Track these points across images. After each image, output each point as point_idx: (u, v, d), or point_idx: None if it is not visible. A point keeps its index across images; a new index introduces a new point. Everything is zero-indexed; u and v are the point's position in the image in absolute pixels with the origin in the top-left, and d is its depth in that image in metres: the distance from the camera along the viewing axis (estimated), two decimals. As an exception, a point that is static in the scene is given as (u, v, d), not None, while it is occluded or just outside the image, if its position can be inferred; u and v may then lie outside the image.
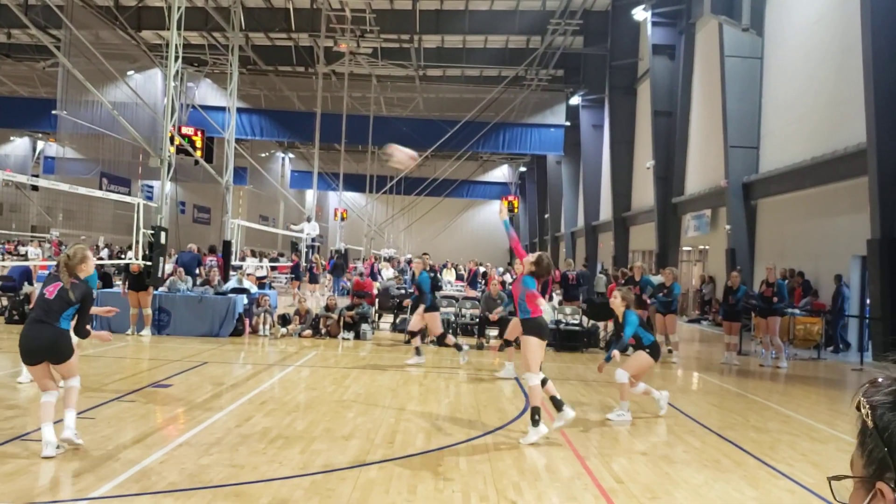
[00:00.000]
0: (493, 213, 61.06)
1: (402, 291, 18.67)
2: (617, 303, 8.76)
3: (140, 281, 14.41)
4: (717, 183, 23.59)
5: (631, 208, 33.74)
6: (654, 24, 28.53)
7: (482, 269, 22.74)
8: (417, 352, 12.55)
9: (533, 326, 7.36)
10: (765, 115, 22.05)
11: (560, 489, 5.79)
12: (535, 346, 7.33)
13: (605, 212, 37.25)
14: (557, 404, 7.43)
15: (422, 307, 12.50)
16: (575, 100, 37.73)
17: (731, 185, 22.26)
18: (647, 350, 8.73)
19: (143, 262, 14.37)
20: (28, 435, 6.62)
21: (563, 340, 15.18)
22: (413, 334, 12.92)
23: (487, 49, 36.23)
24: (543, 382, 7.41)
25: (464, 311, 16.61)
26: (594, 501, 5.55)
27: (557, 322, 15.47)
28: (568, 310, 16.09)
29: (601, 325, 16.04)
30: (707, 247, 26.06)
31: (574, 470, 6.36)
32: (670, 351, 14.45)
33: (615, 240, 34.39)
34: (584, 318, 16.07)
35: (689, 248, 28.19)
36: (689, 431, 8.15)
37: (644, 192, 31.48)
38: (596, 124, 37.76)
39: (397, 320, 17.28)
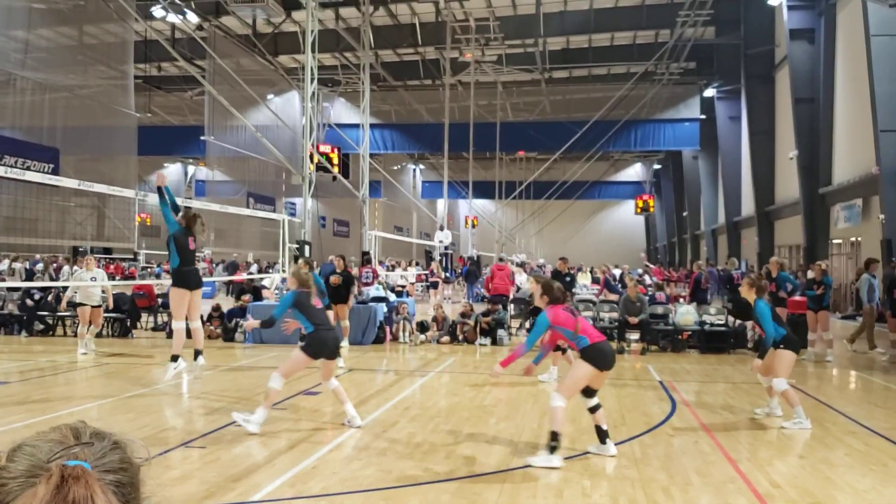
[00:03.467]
0: (627, 213, 59.82)
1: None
2: (744, 290, 8.33)
3: (339, 294, 14.60)
4: (868, 170, 22.17)
5: (775, 202, 32.22)
6: (790, 7, 27.19)
7: (618, 272, 22.31)
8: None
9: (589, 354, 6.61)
10: (920, 95, 20.53)
11: (712, 493, 5.61)
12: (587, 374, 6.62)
13: (747, 206, 35.72)
14: (602, 435, 6.76)
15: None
16: (709, 92, 36.44)
17: (883, 172, 20.86)
18: (781, 345, 8.11)
19: (341, 274, 14.56)
20: (191, 442, 7.05)
21: (709, 342, 14.67)
22: None
23: (614, 46, 35.61)
24: (594, 409, 6.80)
25: (602, 314, 16.36)
26: (750, 507, 5.34)
27: (702, 323, 14.97)
28: (712, 310, 15.53)
29: (748, 324, 15.37)
30: (859, 238, 24.52)
31: (726, 474, 6.14)
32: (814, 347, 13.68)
33: (759, 235, 32.91)
34: (730, 318, 15.45)
35: (840, 241, 26.59)
36: (850, 433, 7.68)
37: (788, 184, 29.99)
38: (733, 116, 36.32)
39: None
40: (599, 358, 6.55)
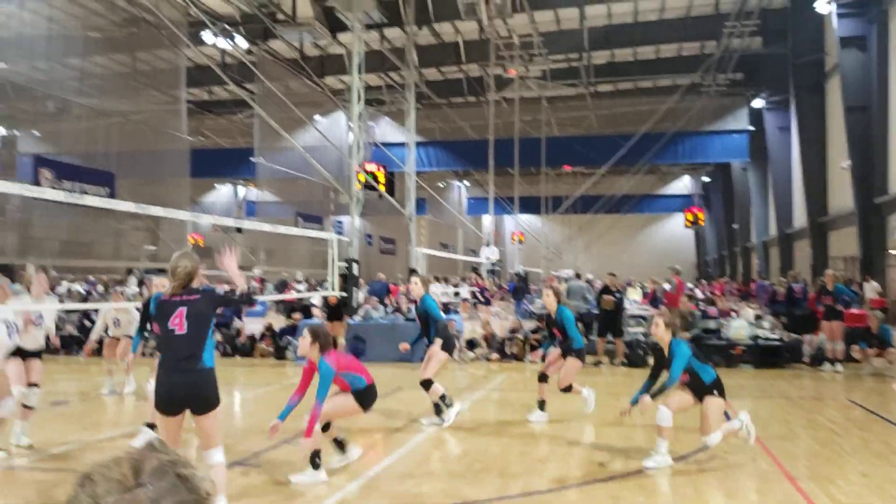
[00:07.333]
0: (676, 227, 59.07)
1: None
2: (660, 331, 6.96)
3: (335, 312, 15.17)
4: (927, 179, 21.60)
5: (828, 213, 31.53)
6: (839, 15, 26.68)
7: (669, 287, 21.98)
8: (437, 409, 8.97)
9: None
10: (979, 101, 19.97)
11: (772, 513, 5.50)
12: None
13: (799, 218, 35.01)
14: (340, 445, 6.87)
15: (436, 344, 8.99)
16: (758, 103, 35.90)
17: (943, 180, 20.31)
18: (711, 389, 6.89)
19: (339, 293, 15.16)
20: (247, 461, 7.13)
21: (763, 356, 14.40)
22: (428, 384, 8.90)
23: (660, 59, 35.33)
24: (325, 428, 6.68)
25: (652, 329, 16.16)
26: (812, 527, 5.23)
27: (755, 337, 14.70)
28: (766, 324, 15.26)
29: (805, 338, 15.05)
30: (919, 249, 23.86)
31: (786, 492, 6.02)
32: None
33: (812, 247, 32.20)
34: (785, 333, 15.16)
35: (898, 252, 25.91)
36: (915, 451, 7.47)
37: (841, 195, 29.32)
38: (782, 126, 35.71)
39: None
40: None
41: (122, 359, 10.81)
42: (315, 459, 6.34)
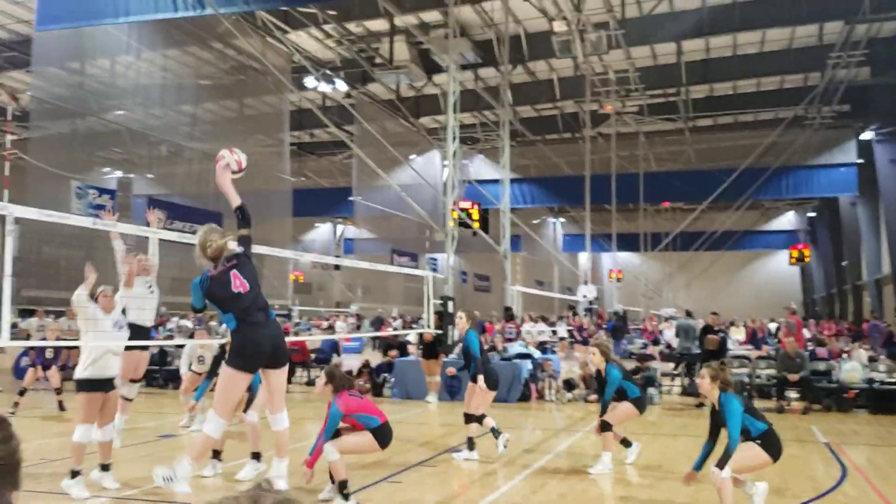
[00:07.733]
0: (780, 264, 57.00)
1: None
2: (705, 384, 6.53)
3: (430, 349, 15.27)
4: None
5: (947, 248, 29.83)
6: (956, 40, 25.50)
7: (773, 326, 21.22)
8: (470, 444, 9.25)
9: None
10: None
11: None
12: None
13: (916, 254, 33.22)
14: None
15: (479, 381, 9.27)
16: (867, 134, 34.44)
17: None
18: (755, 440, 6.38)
19: (435, 330, 15.27)
20: (332, 501, 7.21)
21: (880, 400, 13.63)
22: (472, 419, 9.31)
23: (761, 92, 34.45)
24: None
25: (758, 371, 15.57)
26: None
27: (870, 380, 13.95)
28: (882, 366, 14.46)
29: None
30: None
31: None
32: None
33: (930, 285, 30.49)
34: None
35: None
36: None
37: (963, 229, 27.71)
38: (894, 158, 34.11)
39: (686, 384, 16.61)
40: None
41: (185, 393, 11.27)
42: (343, 489, 6.58)
